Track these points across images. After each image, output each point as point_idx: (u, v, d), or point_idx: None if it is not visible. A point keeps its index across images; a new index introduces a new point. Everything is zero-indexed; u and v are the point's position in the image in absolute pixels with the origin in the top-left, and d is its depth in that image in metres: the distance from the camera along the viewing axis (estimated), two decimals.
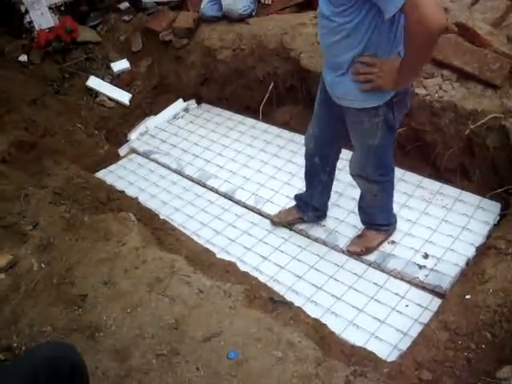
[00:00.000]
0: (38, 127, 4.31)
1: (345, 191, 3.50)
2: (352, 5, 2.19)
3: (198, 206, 3.84)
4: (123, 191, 3.76)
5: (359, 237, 3.21)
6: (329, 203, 3.37)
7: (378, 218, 3.12)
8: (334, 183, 3.29)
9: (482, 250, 2.85)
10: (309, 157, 3.11)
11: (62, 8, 5.10)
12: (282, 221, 3.47)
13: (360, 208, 3.16)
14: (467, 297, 2.49)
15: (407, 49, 2.18)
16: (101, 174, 4.27)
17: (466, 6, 3.81)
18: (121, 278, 2.75)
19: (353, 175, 2.96)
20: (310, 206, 3.31)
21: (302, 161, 3.79)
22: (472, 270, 2.71)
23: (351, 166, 2.91)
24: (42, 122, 4.39)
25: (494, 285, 2.48)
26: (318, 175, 3.14)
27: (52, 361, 1.70)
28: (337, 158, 3.10)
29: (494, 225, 3.15)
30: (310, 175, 3.20)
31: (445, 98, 3.31)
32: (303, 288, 3.07)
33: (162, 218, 3.58)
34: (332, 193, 3.30)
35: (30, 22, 4.92)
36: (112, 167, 4.40)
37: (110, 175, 4.28)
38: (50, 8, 4.96)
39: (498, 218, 3.18)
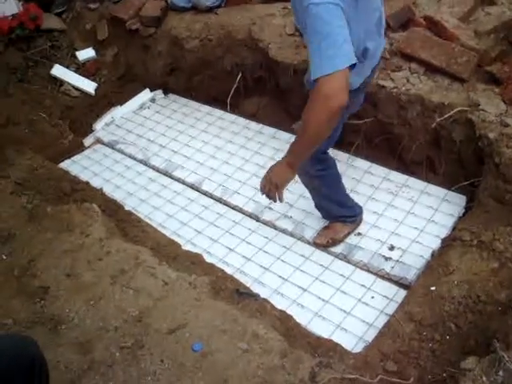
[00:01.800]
0: (0, 116, 4.21)
1: None
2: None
3: (163, 197, 3.80)
4: (88, 182, 3.69)
5: (326, 228, 3.21)
6: (296, 195, 3.35)
7: (335, 211, 3.11)
8: None
9: (447, 242, 2.87)
10: None
11: None
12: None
13: (315, 206, 3.18)
14: (432, 288, 2.51)
15: (304, 119, 2.25)
16: (65, 165, 4.19)
17: (434, 0, 3.82)
18: (84, 270, 2.71)
19: None
20: None
21: (269, 152, 3.79)
22: (437, 262, 2.72)
23: None
24: (5, 110, 4.28)
25: (459, 276, 2.50)
26: None
27: (11, 355, 1.66)
28: None
29: (459, 217, 3.17)
30: None
31: (412, 90, 3.32)
32: (269, 279, 3.05)
33: (127, 209, 3.53)
34: (299, 184, 3.28)
35: None
36: (76, 157, 4.32)
37: (74, 166, 4.20)
38: None
39: (464, 210, 3.21)
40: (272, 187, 2.49)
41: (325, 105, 2.11)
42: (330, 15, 2.08)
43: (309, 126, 2.23)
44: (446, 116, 3.16)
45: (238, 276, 3.02)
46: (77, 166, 4.20)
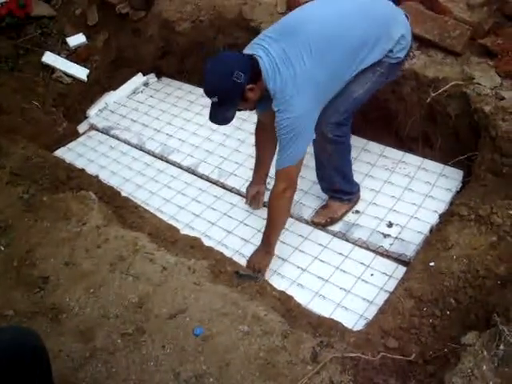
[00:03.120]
0: None
1: (309, 162, 3.46)
2: None
3: (160, 181, 3.78)
4: (83, 169, 3.67)
5: (323, 207, 3.20)
6: None
7: (337, 184, 3.09)
8: None
9: (446, 217, 2.86)
10: None
11: None
12: None
13: (318, 175, 3.15)
14: (431, 264, 2.51)
15: (276, 216, 2.86)
16: (60, 152, 4.16)
17: None
18: (83, 258, 2.72)
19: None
20: None
21: None
22: (436, 238, 2.72)
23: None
24: None
25: (458, 251, 2.50)
26: None
27: (12, 348, 1.66)
28: None
29: (457, 192, 3.17)
30: None
31: (406, 66, 3.29)
32: None
33: (124, 195, 3.51)
34: None
35: None
36: (71, 145, 4.29)
37: (69, 153, 4.18)
38: None
39: (461, 184, 3.20)
40: (256, 271, 2.88)
41: (289, 201, 2.79)
42: (304, 123, 2.59)
43: (280, 220, 2.88)
44: (440, 90, 3.14)
45: (237, 258, 3.02)
46: (72, 154, 4.17)
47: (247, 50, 2.68)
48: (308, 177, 3.43)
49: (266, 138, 3.12)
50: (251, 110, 2.88)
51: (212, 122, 2.73)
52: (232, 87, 2.53)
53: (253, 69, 2.55)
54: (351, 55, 2.63)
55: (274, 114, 2.60)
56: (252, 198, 3.39)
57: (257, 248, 2.99)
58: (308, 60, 2.52)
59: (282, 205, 2.79)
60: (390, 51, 2.72)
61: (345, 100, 2.78)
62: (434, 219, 3.03)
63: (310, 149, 3.11)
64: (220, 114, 2.68)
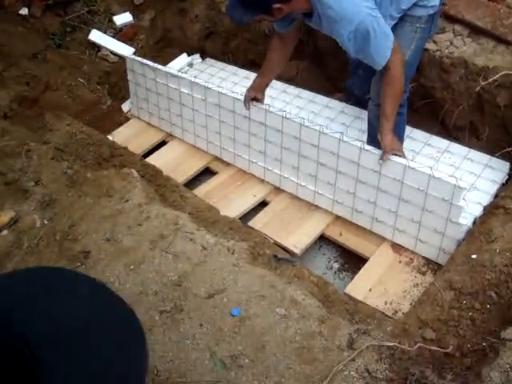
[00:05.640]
0: (39, 82, 4.23)
1: None
2: None
3: None
4: (126, 147, 3.71)
5: None
6: None
7: None
8: None
9: (490, 210, 2.81)
10: None
11: None
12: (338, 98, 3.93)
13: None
14: (473, 256, 2.47)
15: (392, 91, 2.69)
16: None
17: None
18: (124, 235, 2.74)
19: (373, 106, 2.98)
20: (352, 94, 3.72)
21: (308, 117, 3.73)
22: (479, 230, 2.68)
23: (372, 94, 2.95)
24: (44, 76, 4.31)
25: (501, 245, 2.45)
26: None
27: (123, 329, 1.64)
28: None
29: (503, 184, 3.11)
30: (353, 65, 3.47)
31: (455, 53, 3.24)
32: None
33: (165, 174, 3.54)
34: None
35: None
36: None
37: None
38: None
39: (507, 177, 3.14)
40: (397, 153, 2.78)
41: (402, 76, 2.64)
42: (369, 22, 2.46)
43: (398, 93, 2.69)
44: (490, 80, 3.07)
45: None
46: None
47: None
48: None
49: (281, 48, 3.07)
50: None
51: (228, 13, 2.67)
52: (259, 1, 2.51)
53: None
54: None
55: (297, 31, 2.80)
56: (250, 102, 3.25)
57: (381, 134, 2.81)
58: None
59: (399, 82, 2.66)
60: None
61: None
62: (478, 211, 2.97)
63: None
64: (237, 13, 2.61)
